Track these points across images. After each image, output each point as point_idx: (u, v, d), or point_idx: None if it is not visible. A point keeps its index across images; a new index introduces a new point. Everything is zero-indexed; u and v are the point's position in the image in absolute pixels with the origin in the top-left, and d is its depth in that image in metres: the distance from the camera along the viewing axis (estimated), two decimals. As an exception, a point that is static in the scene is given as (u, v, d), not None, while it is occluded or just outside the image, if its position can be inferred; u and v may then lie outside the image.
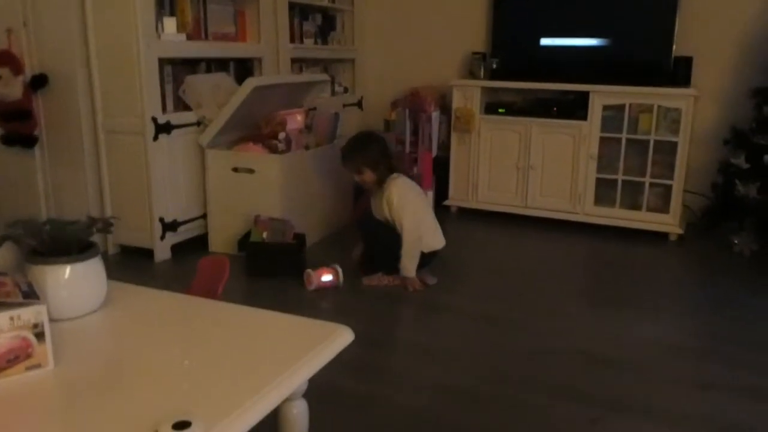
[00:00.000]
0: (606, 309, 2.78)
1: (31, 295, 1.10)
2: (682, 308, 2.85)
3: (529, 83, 4.05)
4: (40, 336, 1.06)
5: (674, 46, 3.81)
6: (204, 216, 3.49)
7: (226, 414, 0.94)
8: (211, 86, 3.48)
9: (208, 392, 1.01)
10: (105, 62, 3.12)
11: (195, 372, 1.08)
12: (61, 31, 3.12)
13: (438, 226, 3.14)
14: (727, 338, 2.51)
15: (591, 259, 3.56)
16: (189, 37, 3.35)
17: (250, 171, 3.31)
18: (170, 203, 3.29)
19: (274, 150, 3.37)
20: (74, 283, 1.26)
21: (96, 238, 1.35)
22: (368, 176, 3.05)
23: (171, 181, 3.28)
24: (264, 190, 3.29)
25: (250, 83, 3.20)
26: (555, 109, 3.98)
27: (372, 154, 3.04)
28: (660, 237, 3.80)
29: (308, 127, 3.74)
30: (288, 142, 3.42)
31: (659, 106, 3.70)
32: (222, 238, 3.41)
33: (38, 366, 1.07)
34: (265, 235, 3.14)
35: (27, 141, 3.29)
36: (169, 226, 3.30)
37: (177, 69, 3.36)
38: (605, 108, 3.82)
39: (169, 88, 3.32)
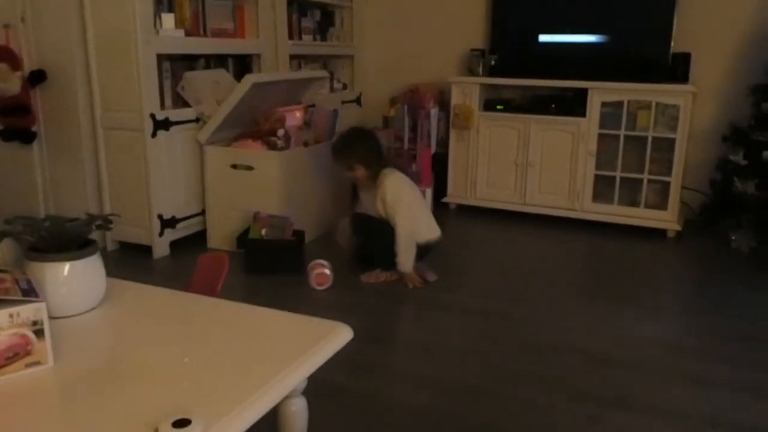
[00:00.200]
0: (605, 306, 2.79)
1: (30, 293, 1.10)
2: (681, 305, 2.86)
3: (527, 80, 4.05)
4: (39, 333, 1.06)
5: (672, 43, 3.81)
6: (203, 213, 3.49)
7: (226, 412, 0.94)
8: (209, 82, 3.48)
9: (208, 390, 1.01)
10: (103, 58, 3.12)
11: (195, 369, 1.08)
12: (60, 27, 3.11)
13: (432, 217, 3.14)
14: (725, 335, 2.51)
15: (589, 256, 3.56)
16: (187, 33, 3.34)
17: (249, 168, 3.31)
18: (169, 200, 3.29)
19: (272, 147, 3.37)
20: (73, 280, 1.26)
21: (94, 234, 1.34)
22: (359, 172, 3.05)
23: (169, 178, 3.28)
24: (263, 186, 3.29)
25: (249, 80, 3.20)
26: (553, 105, 3.98)
27: (362, 150, 3.03)
28: (658, 234, 3.80)
29: (307, 124, 3.73)
30: (287, 138, 3.42)
31: (657, 103, 3.71)
32: (221, 235, 3.41)
33: (38, 363, 1.07)
34: (264, 231, 3.14)
35: (25, 136, 3.29)
36: (168, 223, 3.30)
37: (175, 65, 3.36)
38: (604, 105, 3.82)
39: (167, 84, 3.32)
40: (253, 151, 3.34)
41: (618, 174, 3.87)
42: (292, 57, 4.20)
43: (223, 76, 3.62)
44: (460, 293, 2.92)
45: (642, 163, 3.81)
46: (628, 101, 3.77)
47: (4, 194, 3.45)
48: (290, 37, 4.15)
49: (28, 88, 3.21)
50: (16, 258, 1.36)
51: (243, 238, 3.21)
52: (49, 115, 3.29)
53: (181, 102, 3.38)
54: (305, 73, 4.18)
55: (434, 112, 4.23)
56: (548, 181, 4.03)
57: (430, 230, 3.09)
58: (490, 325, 2.60)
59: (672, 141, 3.69)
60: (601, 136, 3.86)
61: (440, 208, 4.22)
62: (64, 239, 1.27)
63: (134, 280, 1.48)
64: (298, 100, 3.85)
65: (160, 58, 3.18)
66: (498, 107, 4.13)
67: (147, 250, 3.27)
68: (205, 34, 3.53)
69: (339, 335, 1.22)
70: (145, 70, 3.05)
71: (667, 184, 3.76)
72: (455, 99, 4.19)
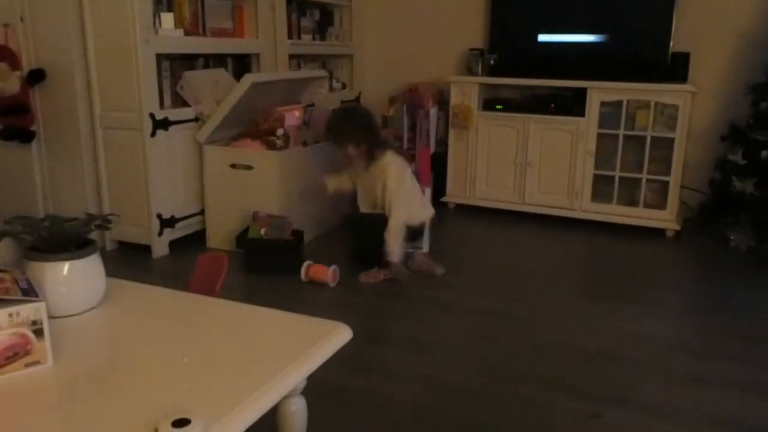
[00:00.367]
0: (604, 305, 2.79)
1: (30, 292, 1.10)
2: (679, 304, 2.86)
3: (526, 80, 4.05)
4: (39, 333, 1.06)
5: (671, 42, 3.81)
6: (202, 212, 3.49)
7: (225, 411, 0.94)
8: (208, 82, 3.48)
9: (207, 390, 1.01)
10: (102, 57, 3.12)
11: (194, 369, 1.08)
12: (59, 26, 3.11)
13: (425, 197, 3.18)
14: (724, 334, 2.52)
15: (588, 255, 3.56)
16: (187, 33, 3.34)
17: (248, 167, 3.31)
18: (168, 199, 3.28)
19: (272, 146, 3.37)
20: (73, 280, 1.26)
21: (94, 234, 1.34)
22: (353, 151, 3.04)
23: (169, 177, 3.28)
24: (262, 186, 3.29)
25: (248, 79, 3.20)
26: (552, 105, 3.98)
27: (355, 128, 3.03)
28: (657, 233, 3.80)
29: (306, 124, 3.73)
30: (286, 138, 3.42)
31: (656, 103, 3.71)
32: (220, 235, 3.41)
33: (37, 363, 1.07)
34: (263, 231, 3.14)
35: (24, 136, 3.28)
36: (167, 222, 3.30)
37: (175, 64, 3.36)
38: (603, 104, 3.82)
39: (166, 83, 3.31)
40: (252, 151, 3.34)
41: (617, 173, 3.87)
42: (291, 56, 4.19)
43: (223, 75, 3.62)
44: (460, 293, 2.92)
45: (641, 163, 3.81)
46: (627, 101, 3.77)
47: (3, 194, 3.44)
48: (289, 36, 4.15)
49: (27, 88, 3.20)
50: (16, 258, 1.36)
51: (242, 238, 3.21)
52: (48, 114, 3.29)
53: (180, 101, 3.38)
54: (304, 72, 4.18)
55: (433, 111, 4.22)
56: (547, 180, 4.03)
57: (424, 210, 3.14)
58: (490, 325, 2.60)
59: (671, 140, 3.69)
60: (600, 136, 3.86)
61: (439, 208, 4.22)
62: (63, 239, 1.27)
63: (133, 280, 1.48)
64: (297, 100, 3.85)
65: (160, 57, 3.17)
66: (497, 107, 4.13)
67: (146, 249, 3.27)
68: (204, 34, 3.53)
69: (338, 335, 1.22)
70: (144, 69, 3.05)
71: (666, 184, 3.76)
72: (454, 98, 4.19)
